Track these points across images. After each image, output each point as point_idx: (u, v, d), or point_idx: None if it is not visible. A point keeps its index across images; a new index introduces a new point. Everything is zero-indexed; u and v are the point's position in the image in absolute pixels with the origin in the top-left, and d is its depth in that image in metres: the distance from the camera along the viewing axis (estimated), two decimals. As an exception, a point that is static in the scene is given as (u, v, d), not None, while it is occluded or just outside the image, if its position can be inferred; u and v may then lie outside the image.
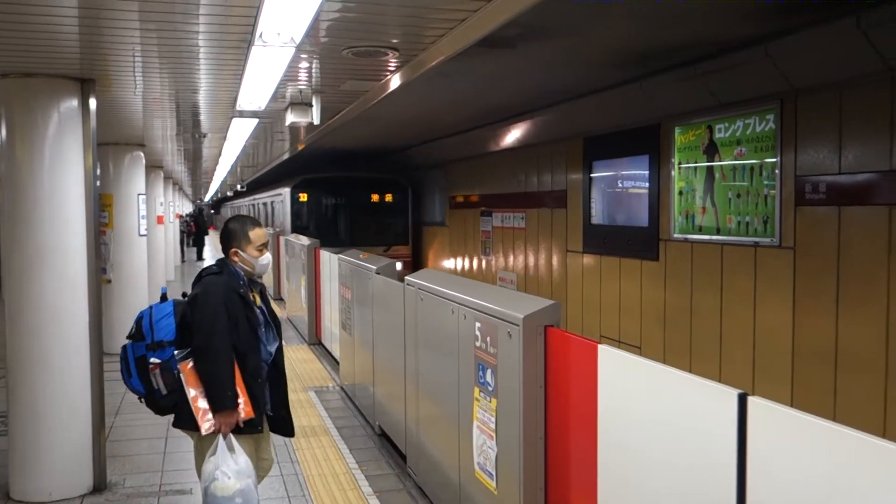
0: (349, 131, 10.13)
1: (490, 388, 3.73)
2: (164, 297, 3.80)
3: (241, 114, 7.02)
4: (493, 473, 3.73)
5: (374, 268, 6.25)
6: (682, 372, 2.48)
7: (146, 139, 10.09)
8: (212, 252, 30.48)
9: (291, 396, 4.23)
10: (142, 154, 10.39)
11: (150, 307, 3.74)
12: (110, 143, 9.81)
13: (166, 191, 19.08)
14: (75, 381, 5.08)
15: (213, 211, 62.81)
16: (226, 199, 45.72)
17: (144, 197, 10.45)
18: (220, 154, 12.84)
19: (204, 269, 3.81)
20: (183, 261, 25.96)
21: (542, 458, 3.40)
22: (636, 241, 8.85)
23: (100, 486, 5.20)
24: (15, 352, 5.02)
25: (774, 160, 6.68)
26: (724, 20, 5.68)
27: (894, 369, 5.60)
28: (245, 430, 3.61)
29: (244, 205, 28.73)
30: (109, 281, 9.72)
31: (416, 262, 16.97)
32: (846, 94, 5.99)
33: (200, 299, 3.57)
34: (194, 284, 3.76)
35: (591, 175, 9.88)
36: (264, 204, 21.51)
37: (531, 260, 11.71)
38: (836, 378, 6.09)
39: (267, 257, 3.85)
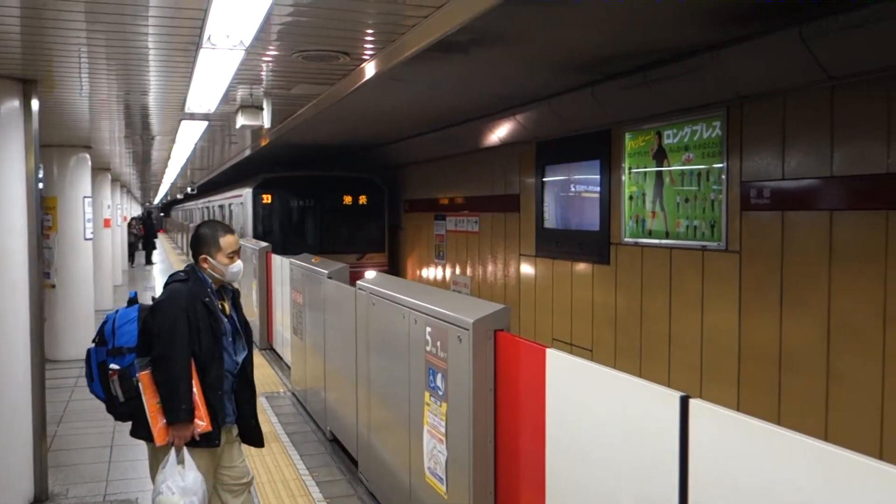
0: (314, 125, 9.67)
1: (440, 393, 3.74)
2: (131, 302, 3.71)
3: (192, 116, 6.93)
4: (444, 478, 3.74)
5: (326, 272, 6.21)
6: (626, 375, 2.52)
7: (93, 141, 9.89)
8: (161, 256, 29.98)
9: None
10: (88, 156, 10.18)
11: (116, 311, 3.67)
12: (55, 145, 9.60)
13: (114, 193, 18.71)
14: (15, 389, 4.94)
15: (163, 214, 61.82)
16: (176, 201, 45.05)
17: (90, 200, 10.23)
18: (169, 157, 12.64)
19: (171, 275, 3.74)
20: (132, 265, 25.44)
21: (492, 462, 3.41)
22: (588, 245, 8.95)
23: (41, 496, 5.07)
24: (-47, 359, 4.87)
25: (721, 166, 6.83)
26: (672, 28, 5.78)
27: (835, 369, 5.75)
28: (201, 443, 3.52)
29: (197, 208, 27.46)
30: (53, 286, 9.50)
31: (393, 271, 15.44)
32: (789, 102, 6.15)
33: (161, 307, 3.50)
34: (164, 289, 3.69)
35: (544, 179, 9.97)
36: (221, 207, 19.55)
37: (485, 264, 11.76)
38: (781, 378, 6.24)
39: (238, 265, 3.77)
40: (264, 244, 10.84)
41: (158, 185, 26.03)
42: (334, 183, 15.30)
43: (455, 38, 5.12)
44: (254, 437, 3.87)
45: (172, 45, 4.16)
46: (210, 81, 4.95)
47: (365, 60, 4.41)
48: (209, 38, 3.67)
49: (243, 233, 15.12)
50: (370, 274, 5.81)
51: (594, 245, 8.80)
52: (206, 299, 3.58)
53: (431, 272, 13.95)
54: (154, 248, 28.23)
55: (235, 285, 3.97)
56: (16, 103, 4.92)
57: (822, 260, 5.87)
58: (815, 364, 5.90)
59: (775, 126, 6.26)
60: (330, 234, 15.06)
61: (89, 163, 10.28)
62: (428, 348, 3.88)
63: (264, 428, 3.98)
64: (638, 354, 8.06)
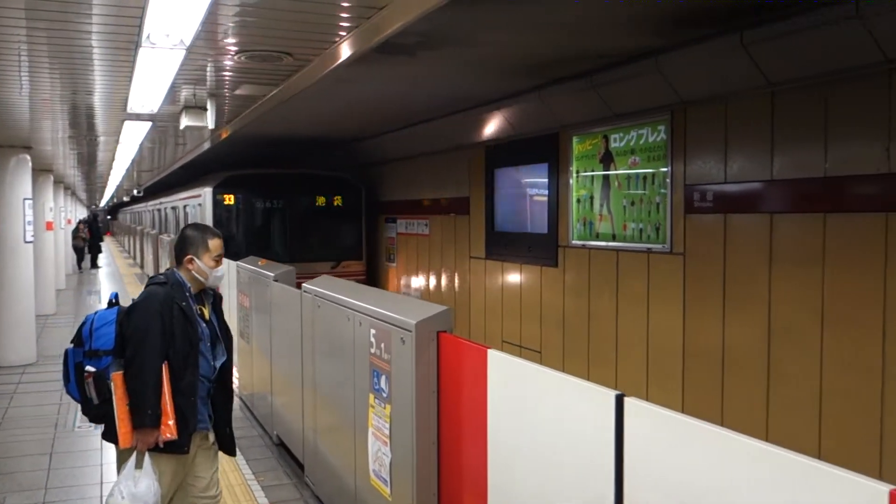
0: (269, 121, 9.06)
1: (384, 395, 3.72)
2: (111, 303, 3.66)
3: (135, 117, 6.80)
4: (388, 480, 3.72)
5: (273, 275, 6.15)
6: (564, 375, 2.54)
7: (33, 141, 9.65)
8: (108, 260, 29.36)
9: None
10: (28, 157, 9.92)
11: (96, 312, 3.63)
12: (-8, 145, 9.33)
13: (57, 195, 18.27)
14: (-52, 396, 4.79)
15: (109, 217, 60.61)
16: (124, 204, 44.14)
17: (31, 202, 9.97)
18: (113, 158, 12.39)
19: (151, 278, 3.71)
20: (80, 269, 24.80)
21: (436, 464, 3.41)
22: (537, 248, 9.01)
23: (-24, 506, 4.93)
24: None
25: (666, 169, 6.93)
26: (615, 33, 5.86)
27: (776, 368, 5.88)
28: (167, 450, 3.46)
29: (148, 210, 26.09)
30: (-8, 290, 9.24)
31: (371, 281, 13.78)
32: (731, 107, 6.28)
33: (135, 309, 3.47)
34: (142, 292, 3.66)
35: (493, 182, 10.01)
36: (174, 209, 17.73)
37: (435, 266, 11.76)
38: (723, 378, 6.36)
39: (222, 269, 3.74)
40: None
41: (104, 187, 25.48)
42: (305, 182, 13.79)
43: (400, 40, 5.12)
44: (226, 444, 3.84)
45: (113, 44, 4.08)
46: (152, 81, 4.87)
47: (309, 61, 4.38)
48: (148, 37, 3.61)
49: None
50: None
51: (543, 248, 8.87)
52: (184, 303, 3.55)
53: (382, 273, 13.90)
54: (100, 251, 27.60)
55: (220, 290, 3.93)
56: (-52, 101, 4.78)
57: (762, 262, 6.00)
58: (756, 364, 6.03)
59: (718, 130, 6.39)
60: (300, 239, 13.50)
61: (30, 164, 10.02)
62: (372, 350, 3.87)
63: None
64: (586, 355, 8.14)
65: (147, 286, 3.63)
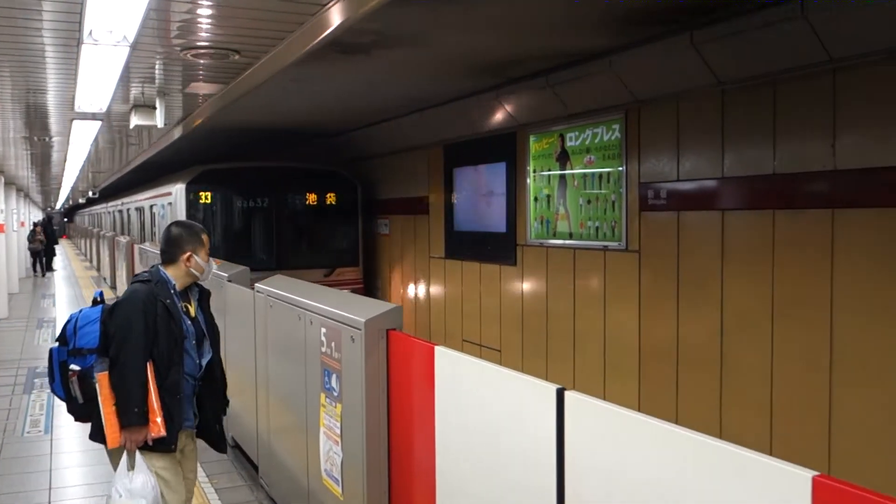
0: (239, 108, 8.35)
1: (335, 394, 3.70)
2: (96, 301, 3.62)
3: (83, 116, 6.67)
4: (339, 479, 3.70)
5: (226, 275, 6.08)
6: (508, 370, 2.55)
7: (-18, 142, 9.44)
8: (64, 262, 28.82)
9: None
10: (-24, 158, 9.70)
11: (80, 311, 3.59)
12: (-61, 147, 9.11)
13: (9, 198, 17.89)
14: None
15: (66, 219, 59.53)
16: (80, 206, 43.35)
17: (-20, 204, 9.75)
18: (65, 159, 12.17)
19: (135, 276, 3.69)
20: (35, 272, 24.26)
21: (386, 461, 3.40)
22: (495, 247, 9.04)
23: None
24: None
25: (621, 168, 7.00)
26: (567, 33, 5.89)
27: (728, 363, 5.97)
28: (156, 447, 3.45)
29: (108, 212, 25.34)
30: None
31: (369, 290, 12.38)
32: (683, 105, 6.35)
33: (119, 307, 3.44)
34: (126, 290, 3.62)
35: (452, 182, 10.02)
36: (139, 210, 15.82)
37: (396, 266, 11.74)
38: (678, 373, 6.43)
39: (213, 264, 3.81)
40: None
41: (60, 189, 25.01)
42: (293, 177, 12.10)
43: (354, 39, 5.09)
44: (215, 441, 3.85)
45: (56, 41, 4.00)
46: (98, 79, 4.78)
47: (258, 59, 4.34)
48: (90, 34, 3.54)
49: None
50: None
51: (501, 246, 8.89)
52: (168, 301, 3.53)
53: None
54: (54, 254, 27.06)
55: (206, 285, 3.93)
56: None
57: (715, 258, 6.08)
58: (710, 358, 6.11)
59: (670, 129, 6.46)
60: (288, 244, 11.90)
61: (-22, 165, 9.80)
62: (323, 349, 3.84)
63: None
64: (545, 353, 8.19)
65: (131, 284, 3.61)
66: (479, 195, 9.65)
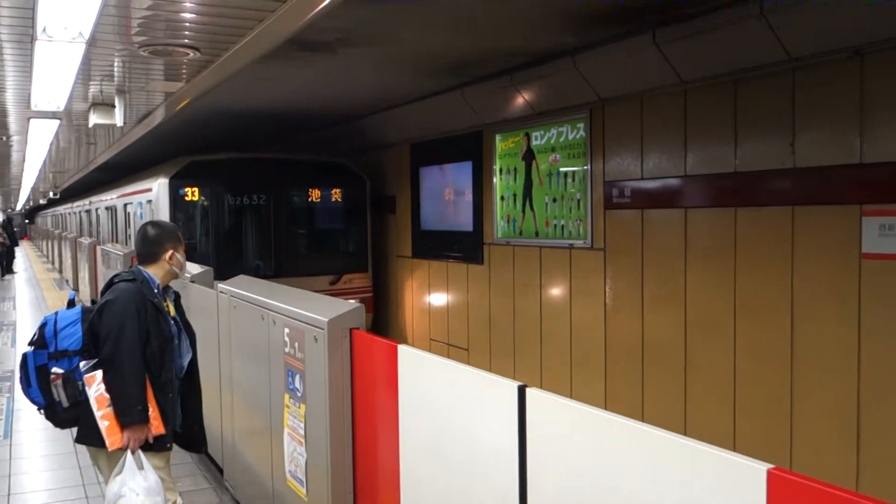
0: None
1: (299, 394, 3.67)
2: (71, 304, 3.55)
3: (41, 114, 6.54)
4: (304, 480, 3.67)
5: (189, 275, 6.00)
6: (470, 368, 2.54)
7: (-63, 141, 9.22)
8: (25, 265, 28.28)
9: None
10: (-69, 158, 9.47)
11: (56, 313, 3.51)
12: None
13: (-32, 199, 17.50)
14: None
15: (27, 221, 58.49)
16: (42, 206, 42.59)
17: (-65, 205, 9.52)
18: (24, 159, 11.94)
19: (115, 276, 3.61)
20: (3, 277, 23.70)
21: (351, 462, 3.38)
22: (462, 246, 9.04)
23: None
24: None
25: (586, 167, 7.03)
26: (530, 32, 5.90)
27: (692, 358, 6.03)
28: (154, 446, 3.41)
29: (74, 212, 24.24)
30: None
31: (378, 299, 11.03)
32: (646, 104, 6.40)
33: (110, 307, 3.36)
34: (103, 292, 3.53)
35: (419, 181, 10.00)
36: (110, 209, 14.14)
37: (363, 266, 11.67)
38: (643, 369, 6.48)
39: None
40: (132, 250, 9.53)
41: (20, 190, 24.53)
42: (294, 171, 10.50)
43: (317, 37, 5.05)
44: (195, 441, 3.81)
45: (9, 37, 3.91)
46: (53, 76, 4.68)
47: (219, 56, 4.28)
48: (45, 30, 3.47)
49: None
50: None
51: (468, 245, 8.90)
52: (155, 300, 3.50)
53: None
54: (14, 257, 26.53)
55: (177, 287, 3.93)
56: None
57: (678, 255, 6.14)
58: (674, 354, 6.16)
59: (634, 127, 6.51)
60: (288, 248, 10.46)
61: (-67, 165, 9.58)
62: (287, 350, 3.81)
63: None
64: (512, 351, 8.21)
65: (113, 284, 3.52)
66: (446, 194, 9.65)
